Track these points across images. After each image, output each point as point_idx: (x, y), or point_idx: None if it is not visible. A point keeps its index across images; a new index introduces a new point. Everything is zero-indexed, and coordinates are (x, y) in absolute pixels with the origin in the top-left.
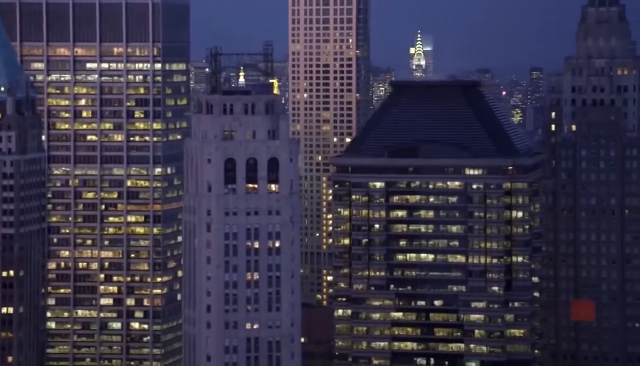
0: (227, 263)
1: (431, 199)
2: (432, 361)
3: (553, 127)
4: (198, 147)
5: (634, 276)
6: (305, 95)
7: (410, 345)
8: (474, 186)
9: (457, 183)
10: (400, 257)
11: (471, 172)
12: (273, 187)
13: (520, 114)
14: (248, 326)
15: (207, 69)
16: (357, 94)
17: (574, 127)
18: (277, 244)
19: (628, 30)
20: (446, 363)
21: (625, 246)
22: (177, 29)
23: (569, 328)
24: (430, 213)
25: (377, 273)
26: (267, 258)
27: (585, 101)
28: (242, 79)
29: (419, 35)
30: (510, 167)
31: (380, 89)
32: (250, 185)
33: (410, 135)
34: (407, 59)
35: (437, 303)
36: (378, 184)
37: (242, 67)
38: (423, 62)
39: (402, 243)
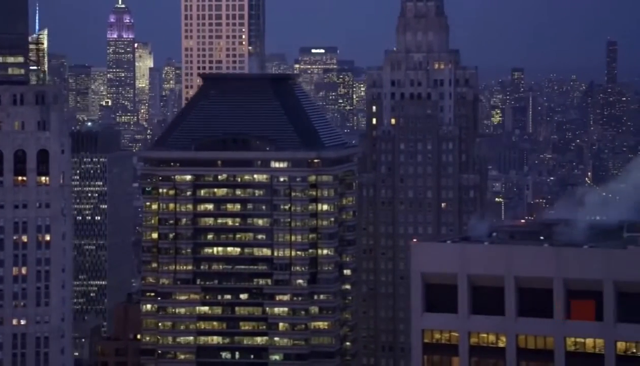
0: None
1: (238, 192)
2: (237, 355)
3: (374, 120)
4: None
5: None
6: None
7: (216, 339)
8: (280, 179)
9: (263, 176)
10: (207, 251)
11: (277, 165)
12: (43, 179)
13: (500, 114)
14: (15, 322)
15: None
16: None
17: (393, 121)
18: (47, 238)
19: (446, 25)
20: (251, 356)
21: None
22: (12, 21)
23: (388, 319)
24: (237, 206)
25: (184, 267)
26: (35, 252)
27: (404, 95)
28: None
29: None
30: (315, 160)
31: (361, 89)
32: (19, 177)
33: (218, 128)
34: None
35: (242, 296)
36: (185, 178)
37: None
38: None
39: (209, 236)
